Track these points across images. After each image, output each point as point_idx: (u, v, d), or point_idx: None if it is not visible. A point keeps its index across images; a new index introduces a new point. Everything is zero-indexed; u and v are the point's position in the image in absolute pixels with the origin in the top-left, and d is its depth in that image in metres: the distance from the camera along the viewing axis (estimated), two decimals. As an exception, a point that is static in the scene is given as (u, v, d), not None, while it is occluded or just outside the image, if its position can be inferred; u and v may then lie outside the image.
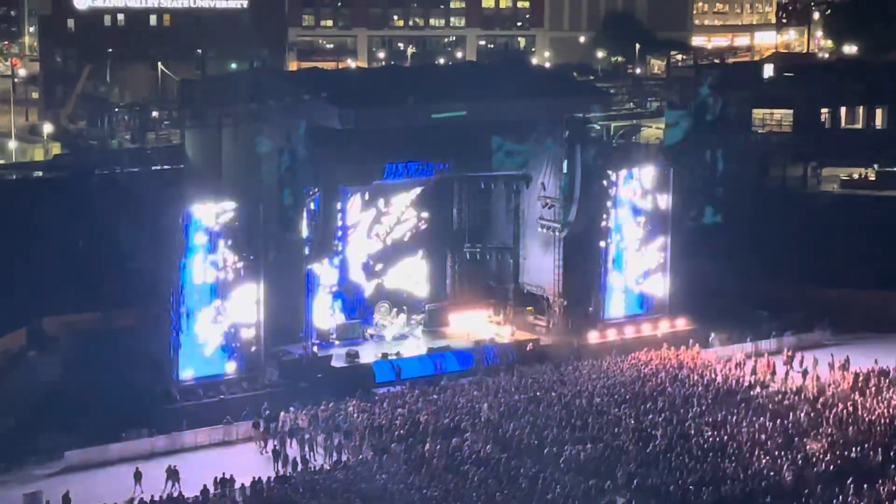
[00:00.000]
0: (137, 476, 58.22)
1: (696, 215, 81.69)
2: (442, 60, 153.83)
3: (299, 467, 60.31)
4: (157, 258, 67.62)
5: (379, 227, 79.04)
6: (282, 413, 65.23)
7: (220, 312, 68.35)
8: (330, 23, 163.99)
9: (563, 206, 78.00)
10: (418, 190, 79.91)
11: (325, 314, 75.84)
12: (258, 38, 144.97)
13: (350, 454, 61.79)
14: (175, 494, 57.12)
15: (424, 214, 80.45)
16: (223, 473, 58.23)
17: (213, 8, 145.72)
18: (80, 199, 77.20)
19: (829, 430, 62.93)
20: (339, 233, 75.02)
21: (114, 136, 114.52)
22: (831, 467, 58.45)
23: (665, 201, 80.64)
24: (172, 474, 58.22)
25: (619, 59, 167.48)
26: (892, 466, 58.76)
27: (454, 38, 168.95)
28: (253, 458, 62.40)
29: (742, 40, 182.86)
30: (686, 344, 76.79)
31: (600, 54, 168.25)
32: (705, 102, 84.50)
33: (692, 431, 62.86)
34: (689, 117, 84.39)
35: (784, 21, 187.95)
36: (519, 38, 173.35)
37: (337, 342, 75.68)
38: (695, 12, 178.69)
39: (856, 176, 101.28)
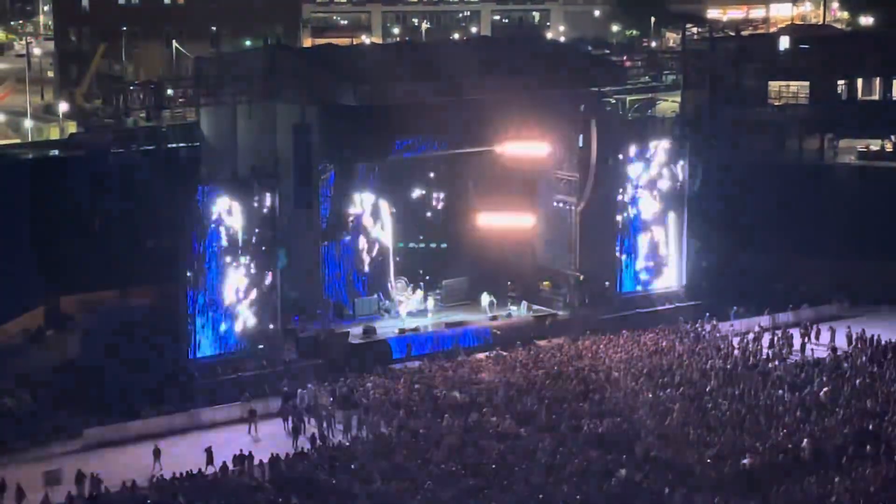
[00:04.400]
0: (156, 453, 58.44)
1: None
2: (456, 35, 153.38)
3: (318, 444, 60.44)
4: (172, 236, 67.67)
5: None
6: (299, 390, 65.37)
7: (237, 290, 68.39)
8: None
9: (578, 181, 77.85)
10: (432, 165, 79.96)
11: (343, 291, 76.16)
12: (272, 14, 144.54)
13: (368, 430, 61.90)
14: (158, 474, 57.22)
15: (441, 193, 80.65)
16: (241, 450, 58.46)
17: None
18: (96, 177, 77.28)
19: (847, 402, 62.83)
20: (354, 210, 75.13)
21: (129, 114, 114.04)
22: (849, 440, 58.38)
23: (681, 175, 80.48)
24: (156, 454, 58.47)
25: (634, 32, 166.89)
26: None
27: (468, 13, 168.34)
28: (271, 434, 62.51)
29: (757, 12, 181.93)
30: (703, 317, 76.75)
31: (615, 28, 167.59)
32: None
33: (709, 405, 62.85)
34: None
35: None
36: (533, 13, 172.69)
37: (354, 318, 75.80)
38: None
39: (873, 148, 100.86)
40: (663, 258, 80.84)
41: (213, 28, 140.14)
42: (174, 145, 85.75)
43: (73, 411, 63.47)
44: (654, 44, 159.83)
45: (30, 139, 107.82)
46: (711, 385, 65.66)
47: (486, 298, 77.95)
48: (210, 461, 57.85)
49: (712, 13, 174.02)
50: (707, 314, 77.35)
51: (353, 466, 56.56)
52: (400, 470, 55.85)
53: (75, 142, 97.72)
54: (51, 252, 73.98)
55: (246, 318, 68.76)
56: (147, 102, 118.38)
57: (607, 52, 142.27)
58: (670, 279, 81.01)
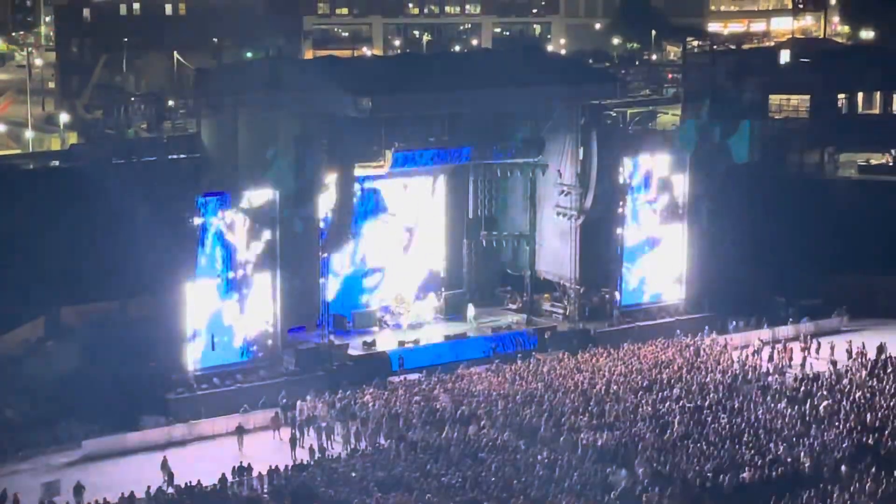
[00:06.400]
0: (164, 464, 58.23)
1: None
2: (457, 48, 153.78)
3: (316, 456, 60.42)
4: (173, 247, 67.67)
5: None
6: (298, 401, 65.34)
7: (236, 300, 68.37)
8: (345, 11, 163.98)
9: (579, 194, 77.90)
10: (434, 178, 80.00)
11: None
12: (274, 26, 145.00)
13: (367, 442, 61.89)
14: (163, 485, 57.12)
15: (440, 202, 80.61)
16: (240, 462, 58.42)
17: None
18: (97, 188, 77.34)
19: (847, 416, 62.80)
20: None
21: (130, 125, 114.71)
22: (849, 454, 58.35)
23: (681, 188, 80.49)
24: (164, 465, 58.42)
25: (635, 45, 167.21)
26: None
27: (469, 26, 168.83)
28: (270, 446, 62.50)
29: (758, 26, 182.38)
30: (703, 330, 76.75)
31: (616, 41, 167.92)
32: None
33: (709, 418, 62.83)
34: None
35: (800, 6, 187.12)
36: (534, 26, 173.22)
37: (353, 330, 75.78)
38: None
39: (874, 161, 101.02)
40: (663, 270, 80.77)
41: (215, 39, 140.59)
42: (175, 156, 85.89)
43: (72, 422, 63.43)
44: (654, 57, 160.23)
45: (31, 150, 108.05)
46: (711, 398, 65.63)
47: (471, 310, 78.09)
48: (293, 450, 59.97)
49: (713, 27, 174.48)
50: (707, 327, 77.35)
51: (351, 478, 56.51)
52: (399, 482, 55.80)
53: (76, 153, 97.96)
54: (51, 263, 74.00)
55: (245, 330, 68.76)
56: (148, 113, 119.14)
57: (608, 65, 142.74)
58: (670, 292, 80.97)
